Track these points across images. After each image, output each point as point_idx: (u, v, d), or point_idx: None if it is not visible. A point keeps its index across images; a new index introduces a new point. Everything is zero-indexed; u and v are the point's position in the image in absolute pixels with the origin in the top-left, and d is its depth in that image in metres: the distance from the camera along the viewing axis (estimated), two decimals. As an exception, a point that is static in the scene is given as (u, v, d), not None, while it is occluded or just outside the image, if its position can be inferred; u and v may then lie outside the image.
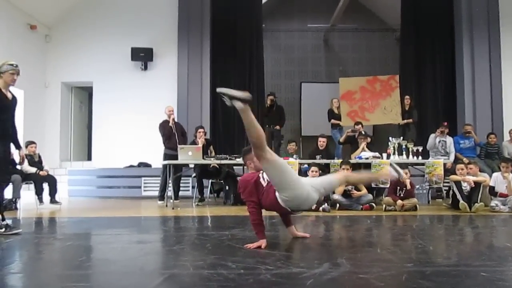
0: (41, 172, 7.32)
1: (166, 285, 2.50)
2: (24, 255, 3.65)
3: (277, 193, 3.47)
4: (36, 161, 7.51)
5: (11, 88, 4.65)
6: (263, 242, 3.44)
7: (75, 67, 10.61)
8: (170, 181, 7.31)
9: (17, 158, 4.84)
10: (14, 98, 4.65)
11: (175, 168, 7.36)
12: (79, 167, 10.37)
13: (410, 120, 9.76)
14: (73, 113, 11.29)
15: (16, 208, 6.88)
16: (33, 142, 7.64)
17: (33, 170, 7.27)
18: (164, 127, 7.89)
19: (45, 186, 7.38)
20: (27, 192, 7.58)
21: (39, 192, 7.29)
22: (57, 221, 5.99)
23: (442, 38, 10.90)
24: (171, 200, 7.27)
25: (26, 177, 7.17)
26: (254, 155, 3.58)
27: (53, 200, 7.27)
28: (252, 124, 3.48)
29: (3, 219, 4.39)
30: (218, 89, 3.48)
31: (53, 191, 7.34)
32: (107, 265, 3.10)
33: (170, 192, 7.44)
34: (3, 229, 4.32)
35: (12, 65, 4.56)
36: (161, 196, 7.69)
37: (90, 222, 5.73)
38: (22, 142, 8.41)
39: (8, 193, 6.86)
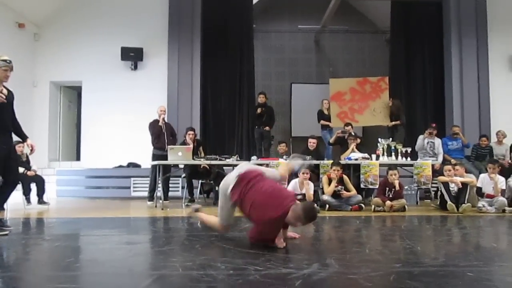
0: (28, 172, 7.25)
1: (155, 286, 2.50)
2: (11, 256, 3.62)
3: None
4: (23, 161, 7.42)
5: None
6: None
7: (64, 66, 10.50)
8: (159, 182, 7.28)
9: (26, 150, 4.81)
10: (10, 93, 4.61)
11: (164, 169, 7.34)
12: (67, 167, 10.27)
13: (398, 122, 9.84)
14: (62, 113, 11.18)
15: (3, 209, 6.79)
16: (20, 142, 7.49)
17: (20, 170, 7.16)
18: (154, 127, 7.85)
19: (33, 186, 7.31)
20: (14, 192, 7.43)
21: (26, 193, 7.21)
22: (45, 222, 5.94)
23: (431, 40, 11.02)
24: (161, 201, 7.24)
25: (14, 177, 7.08)
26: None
27: (41, 201, 7.20)
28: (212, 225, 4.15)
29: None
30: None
31: (41, 192, 7.27)
32: (95, 266, 3.08)
33: (159, 192, 7.41)
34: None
35: (5, 60, 4.49)
36: (151, 197, 7.66)
37: (79, 223, 5.68)
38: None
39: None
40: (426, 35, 11.08)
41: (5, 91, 4.50)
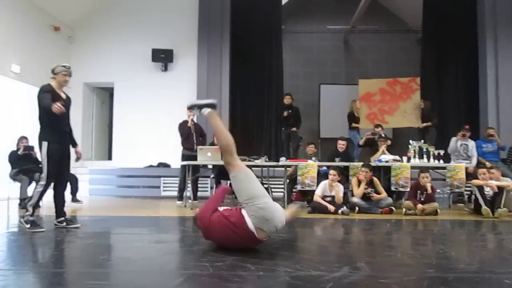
0: (63, 171, 7.44)
1: (186, 285, 2.52)
2: (46, 253, 3.73)
3: (244, 212, 3.25)
4: (58, 160, 7.63)
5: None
6: None
7: (97, 67, 10.77)
8: (189, 182, 7.36)
9: (74, 156, 4.97)
10: (68, 98, 4.88)
11: (194, 169, 7.41)
12: (100, 166, 10.52)
13: (430, 124, 9.62)
14: (95, 113, 11.47)
15: (38, 206, 6.99)
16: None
17: (55, 169, 7.40)
18: (183, 127, 7.95)
19: (67, 184, 7.49)
20: (49, 191, 7.69)
21: (61, 191, 7.40)
22: (78, 220, 6.08)
23: (465, 39, 10.70)
24: (190, 201, 7.32)
25: (49, 176, 7.30)
26: (224, 161, 3.54)
27: (74, 199, 7.39)
28: (220, 129, 3.51)
29: (32, 214, 4.52)
30: (188, 105, 3.70)
31: (74, 190, 7.47)
32: (128, 264, 3.14)
33: (189, 192, 7.50)
34: (29, 225, 4.44)
35: (64, 66, 4.77)
36: (180, 197, 7.75)
37: (111, 221, 5.81)
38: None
39: (30, 191, 7.02)
40: (460, 33, 10.77)
41: (63, 95, 4.78)
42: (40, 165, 7.23)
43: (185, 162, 7.33)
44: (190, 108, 3.68)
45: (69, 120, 4.91)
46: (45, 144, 4.58)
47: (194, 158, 7.18)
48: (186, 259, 3.35)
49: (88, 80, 10.98)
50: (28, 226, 4.46)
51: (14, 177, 7.01)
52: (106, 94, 11.83)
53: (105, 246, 4.03)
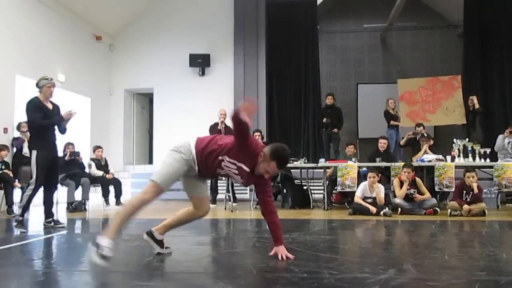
0: (107, 175, 7.71)
1: (231, 286, 2.54)
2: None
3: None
4: (102, 165, 7.91)
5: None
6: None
7: (137, 74, 11.08)
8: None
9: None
10: (55, 107, 5.19)
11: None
12: (141, 170, 10.77)
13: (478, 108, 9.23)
14: (135, 119, 11.78)
15: (85, 209, 7.28)
16: (100, 147, 8.05)
17: (100, 173, 7.67)
18: (213, 130, 7.96)
19: (111, 188, 7.74)
20: (95, 194, 7.98)
21: (105, 194, 7.66)
22: (123, 222, 6.25)
23: (509, 33, 10.26)
24: (230, 203, 7.38)
25: (94, 180, 7.58)
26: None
27: (118, 202, 7.62)
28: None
29: (22, 215, 4.91)
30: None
31: (118, 193, 7.70)
32: (173, 266, 3.20)
33: (221, 195, 7.57)
34: (16, 223, 4.89)
35: (47, 79, 5.10)
36: (213, 199, 7.79)
37: (153, 224, 5.91)
38: (89, 148, 8.95)
39: (78, 195, 7.30)
40: (504, 27, 10.33)
41: (50, 105, 5.11)
42: (86, 170, 7.59)
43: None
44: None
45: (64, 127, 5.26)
46: (34, 152, 4.97)
47: None
48: (229, 261, 3.37)
49: (129, 87, 11.30)
50: (15, 224, 4.85)
51: (61, 182, 7.29)
52: (146, 100, 12.13)
53: (150, 248, 4.12)
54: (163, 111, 10.94)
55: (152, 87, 11.12)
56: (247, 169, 3.02)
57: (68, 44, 9.47)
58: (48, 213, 5.19)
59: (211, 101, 10.28)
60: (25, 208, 4.93)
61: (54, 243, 4.39)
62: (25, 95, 5.41)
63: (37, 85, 5.06)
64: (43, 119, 4.96)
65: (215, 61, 10.73)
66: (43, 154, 4.96)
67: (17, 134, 7.53)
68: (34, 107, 4.95)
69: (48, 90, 5.03)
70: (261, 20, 10.47)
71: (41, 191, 5.12)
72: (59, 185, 7.21)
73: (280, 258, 3.08)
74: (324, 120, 9.67)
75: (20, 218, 4.87)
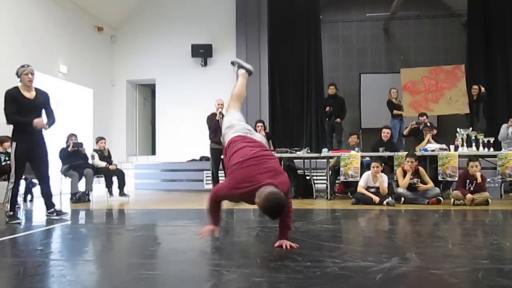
0: (110, 166, 7.72)
1: (235, 275, 2.55)
2: (97, 245, 3.88)
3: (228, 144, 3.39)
4: (106, 156, 7.91)
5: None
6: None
7: (139, 65, 11.06)
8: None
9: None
10: (38, 95, 4.96)
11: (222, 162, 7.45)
12: (144, 161, 10.80)
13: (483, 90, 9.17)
14: (138, 110, 11.78)
15: (88, 200, 7.31)
16: (103, 138, 8.05)
17: (103, 164, 7.68)
18: (211, 120, 7.88)
19: (114, 179, 7.76)
20: (98, 185, 8.01)
21: (109, 185, 7.68)
22: (126, 213, 6.29)
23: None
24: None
25: (97, 171, 7.60)
26: (229, 105, 3.72)
27: (121, 193, 7.64)
28: (242, 83, 3.77)
29: (11, 209, 4.82)
30: (231, 60, 3.95)
31: (121, 184, 7.71)
32: (177, 255, 3.21)
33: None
34: (8, 218, 4.80)
35: (24, 66, 4.91)
36: None
37: (157, 214, 5.97)
38: (92, 139, 8.94)
39: (81, 186, 7.33)
40: (508, 16, 10.24)
41: (31, 94, 4.90)
42: (89, 162, 7.60)
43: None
44: (233, 63, 3.90)
45: (50, 115, 5.05)
46: (14, 144, 4.86)
47: (222, 151, 7.19)
48: (232, 250, 3.38)
49: (131, 78, 11.28)
50: (7, 219, 4.77)
51: (65, 173, 7.32)
52: (148, 91, 12.11)
53: (154, 237, 4.14)
54: (165, 102, 10.94)
55: (154, 78, 11.10)
56: None
57: (70, 36, 9.44)
58: (49, 205, 5.18)
59: (214, 91, 10.23)
60: (12, 202, 4.85)
61: (58, 233, 4.41)
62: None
63: (16, 74, 4.89)
64: (18, 111, 4.78)
65: (217, 51, 10.69)
66: (22, 147, 4.83)
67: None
68: (8, 99, 4.80)
69: (25, 78, 4.84)
70: (263, 9, 10.41)
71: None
72: (62, 176, 7.31)
73: (284, 247, 3.09)
74: (327, 109, 9.61)
75: (11, 213, 4.80)
